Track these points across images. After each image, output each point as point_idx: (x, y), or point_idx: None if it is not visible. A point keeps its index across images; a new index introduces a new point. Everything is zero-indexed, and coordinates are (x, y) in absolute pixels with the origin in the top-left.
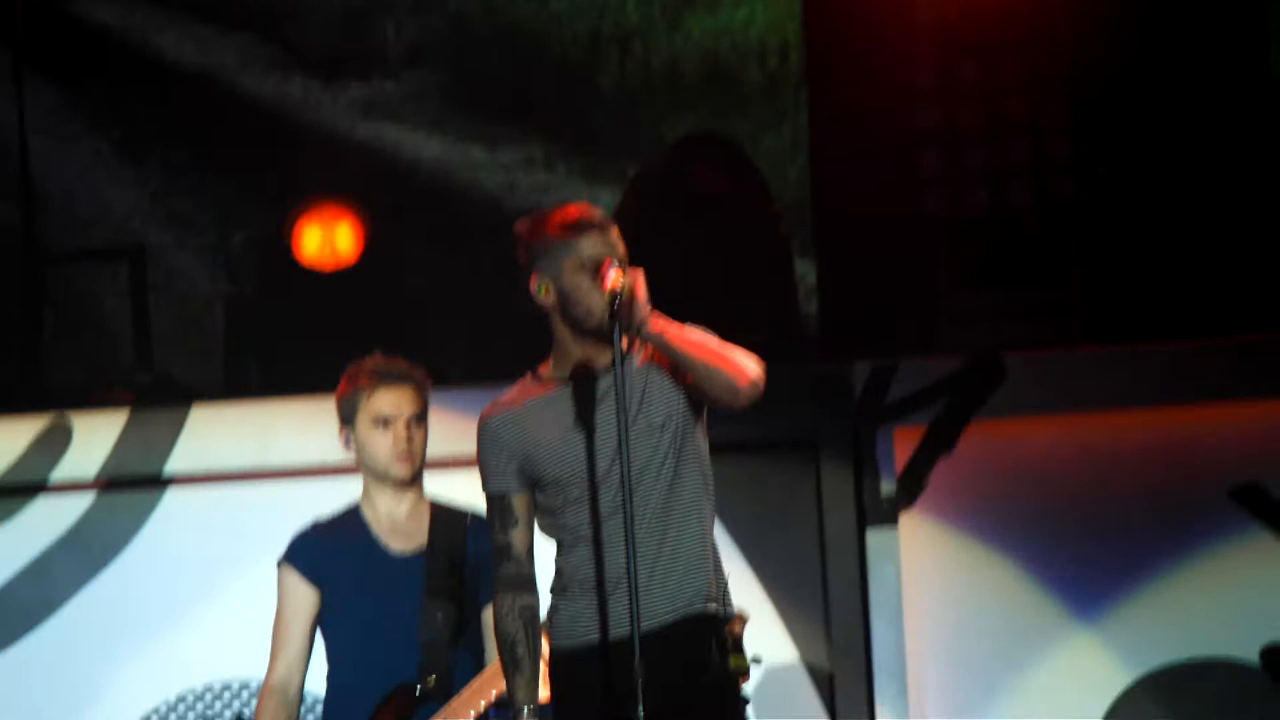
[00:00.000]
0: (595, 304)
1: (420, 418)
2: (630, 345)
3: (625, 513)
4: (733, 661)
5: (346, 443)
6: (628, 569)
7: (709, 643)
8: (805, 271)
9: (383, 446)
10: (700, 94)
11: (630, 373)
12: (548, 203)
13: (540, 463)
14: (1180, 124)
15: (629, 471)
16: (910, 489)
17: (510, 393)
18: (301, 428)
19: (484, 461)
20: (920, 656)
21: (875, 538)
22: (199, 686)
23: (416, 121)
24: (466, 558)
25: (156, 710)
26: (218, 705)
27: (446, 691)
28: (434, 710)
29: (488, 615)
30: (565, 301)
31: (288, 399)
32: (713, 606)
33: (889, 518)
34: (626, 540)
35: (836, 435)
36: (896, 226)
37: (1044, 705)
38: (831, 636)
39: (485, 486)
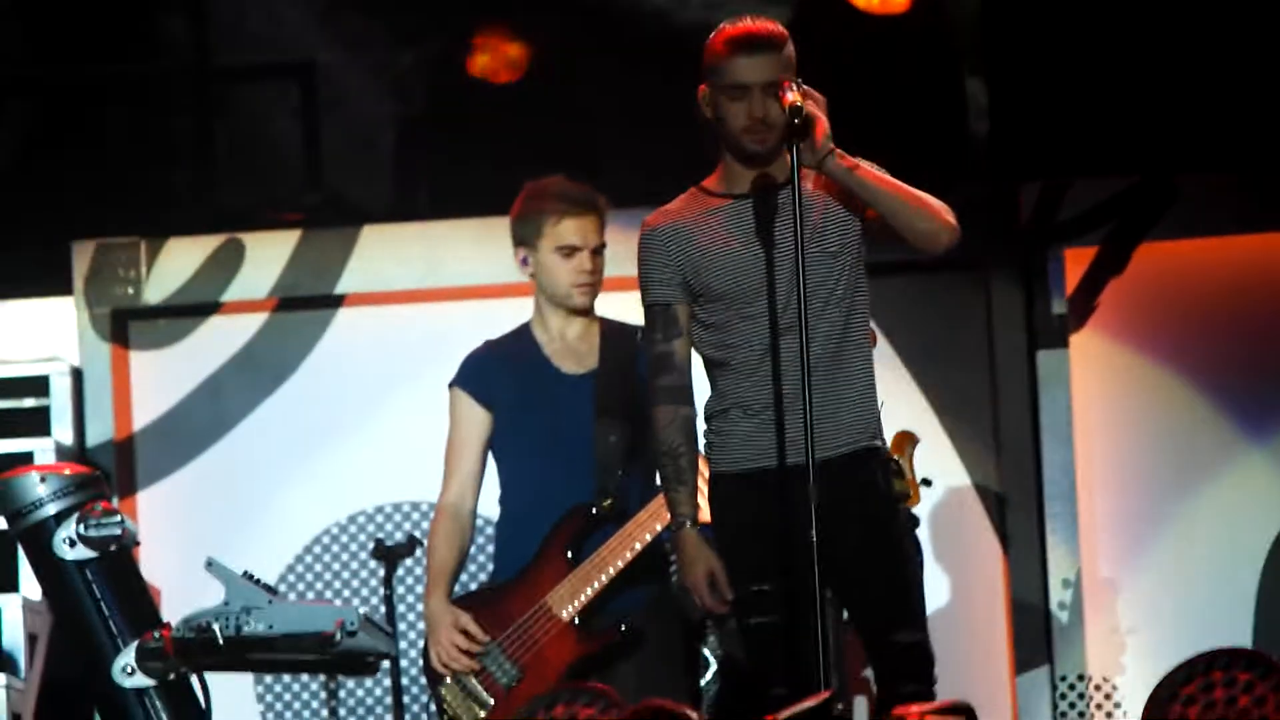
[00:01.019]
0: (734, 127)
1: (601, 247)
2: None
3: (800, 336)
4: (897, 485)
5: (524, 263)
6: (803, 393)
7: (875, 471)
8: (976, 91)
9: (565, 274)
10: None
11: (804, 197)
12: (717, 19)
13: (708, 274)
14: None
15: (804, 290)
16: (1081, 310)
17: (676, 204)
18: (471, 248)
19: (647, 271)
20: (1091, 478)
21: (1046, 359)
22: (370, 508)
23: None
24: (638, 377)
25: (328, 531)
26: (389, 526)
27: (622, 514)
28: (610, 533)
29: None
30: (718, 120)
31: (456, 220)
32: (879, 442)
33: (1059, 339)
34: (802, 364)
35: (1007, 256)
36: (1068, 44)
37: (1214, 526)
38: (1001, 459)
39: (646, 296)
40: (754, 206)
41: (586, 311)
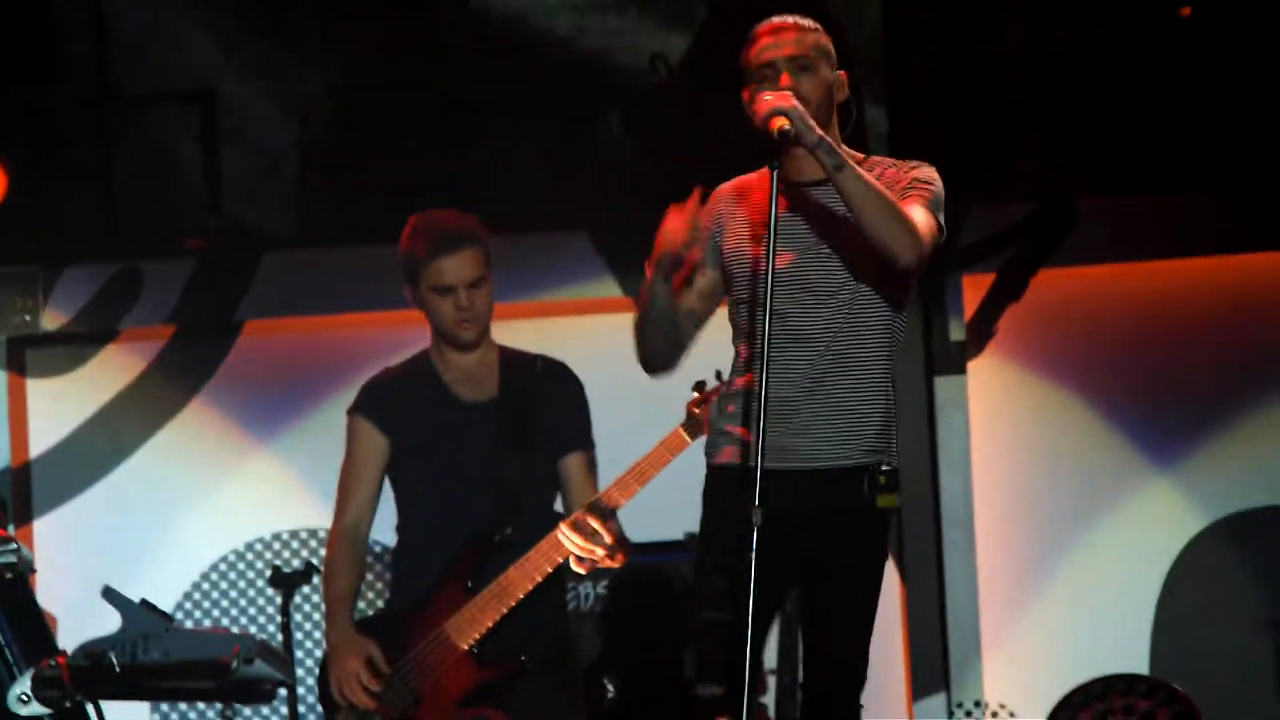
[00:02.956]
0: (758, 111)
1: (480, 280)
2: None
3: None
4: (880, 500)
5: (412, 299)
6: (797, 398)
7: (861, 483)
8: (876, 118)
9: (445, 313)
10: None
11: (825, 206)
12: (619, 45)
13: (726, 256)
14: None
15: (771, 305)
16: (979, 336)
17: (753, 177)
18: (370, 275)
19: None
20: (989, 505)
21: (943, 385)
22: (267, 535)
23: None
24: (538, 404)
25: (225, 558)
26: (286, 554)
27: (524, 542)
28: (510, 562)
29: (562, 465)
30: (751, 111)
31: (357, 246)
32: (876, 457)
33: (957, 366)
34: (763, 363)
35: None
36: (968, 73)
37: (1113, 552)
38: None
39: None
40: (796, 197)
41: (474, 346)
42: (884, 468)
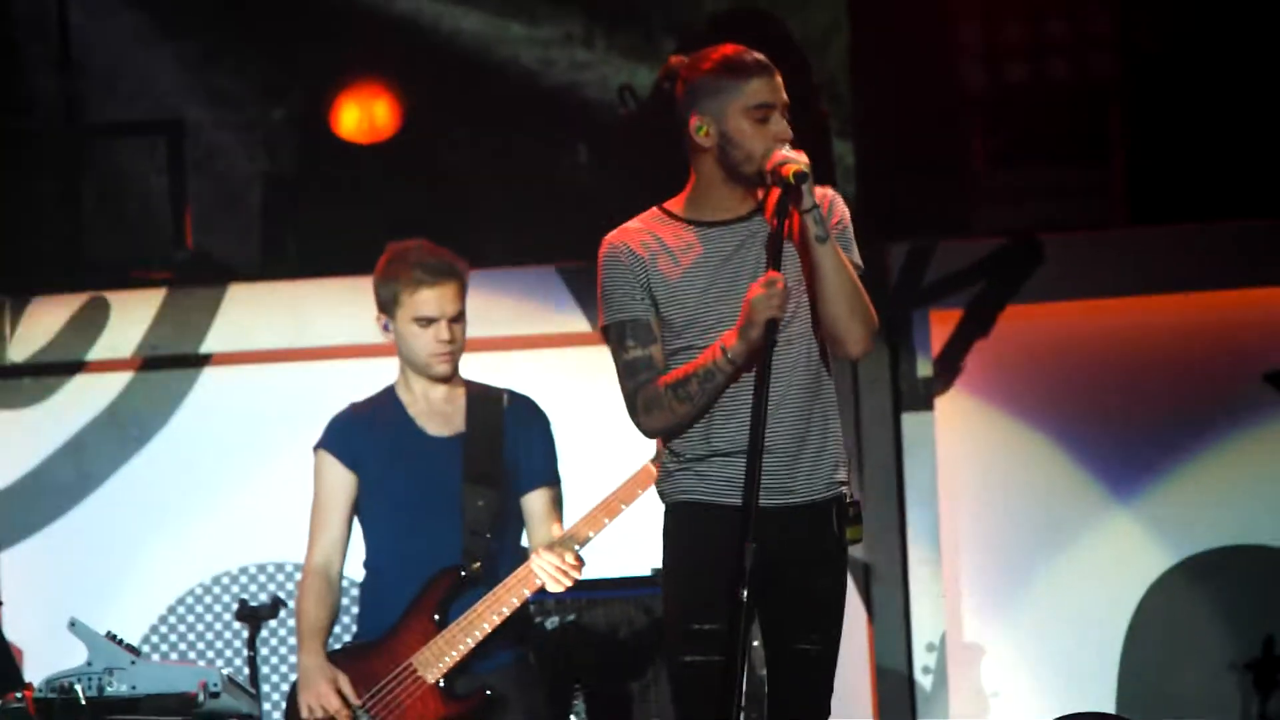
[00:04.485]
0: (756, 149)
1: (460, 315)
2: (783, 222)
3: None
4: (850, 533)
5: (384, 328)
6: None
7: (831, 516)
8: (843, 152)
9: (424, 344)
10: None
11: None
12: (585, 80)
13: (667, 304)
14: None
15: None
16: (947, 372)
17: (637, 223)
18: (338, 308)
19: (612, 289)
20: (956, 541)
21: (911, 422)
22: (234, 569)
23: None
24: (504, 439)
25: (192, 592)
26: (253, 588)
27: (491, 577)
28: (478, 596)
29: (528, 500)
30: (726, 144)
31: (324, 279)
32: (841, 489)
33: (924, 402)
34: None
35: None
36: (934, 106)
37: (1080, 588)
38: (866, 523)
39: (614, 315)
40: (722, 237)
41: (447, 379)
42: (850, 499)
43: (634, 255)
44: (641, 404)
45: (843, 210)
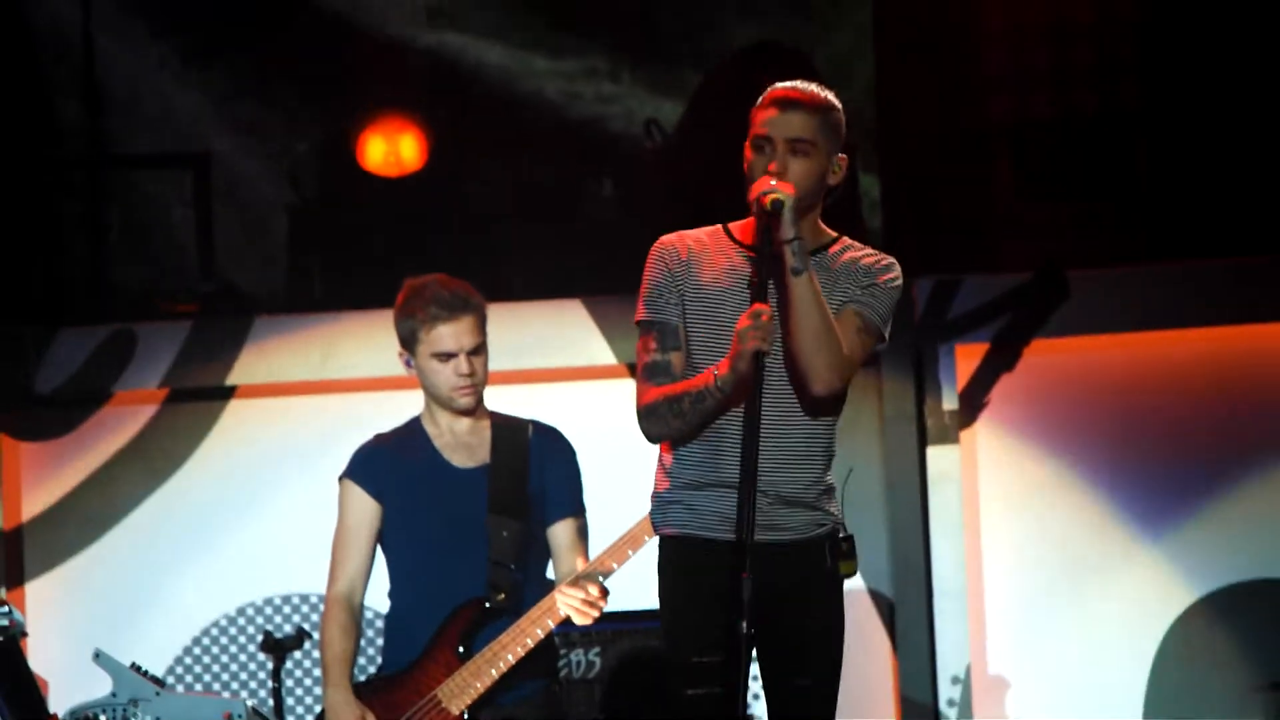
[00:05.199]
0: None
1: (480, 347)
2: (766, 252)
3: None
4: (843, 568)
5: (407, 364)
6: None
7: (824, 551)
8: (869, 185)
9: (444, 379)
10: (766, 2)
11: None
12: (611, 113)
13: (693, 312)
14: (1252, 29)
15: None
16: (972, 406)
17: (697, 232)
18: (364, 340)
19: (651, 287)
20: (981, 575)
21: (936, 456)
22: (259, 599)
23: (480, 29)
24: (529, 470)
25: (217, 623)
26: (278, 619)
27: (516, 608)
28: (504, 627)
29: (553, 531)
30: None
31: (350, 312)
32: (834, 525)
33: (950, 436)
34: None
35: (898, 351)
36: (960, 141)
37: (1104, 623)
38: (892, 556)
39: (646, 314)
40: (756, 264)
41: (470, 412)
42: (843, 535)
43: (678, 258)
44: (645, 408)
45: (890, 275)
